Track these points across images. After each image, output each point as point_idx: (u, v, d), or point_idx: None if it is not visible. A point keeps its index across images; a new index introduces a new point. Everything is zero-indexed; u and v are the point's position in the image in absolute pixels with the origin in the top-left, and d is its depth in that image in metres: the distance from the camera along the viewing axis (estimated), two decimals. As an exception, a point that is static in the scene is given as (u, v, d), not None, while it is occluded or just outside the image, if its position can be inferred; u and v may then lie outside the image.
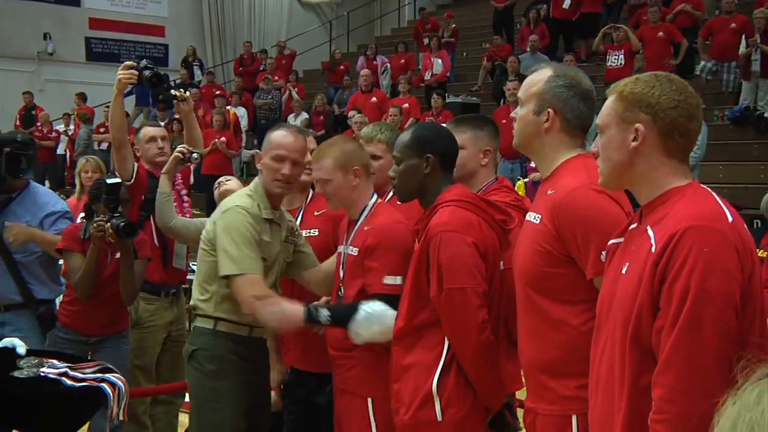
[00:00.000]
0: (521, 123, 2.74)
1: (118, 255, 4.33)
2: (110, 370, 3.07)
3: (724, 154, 10.34)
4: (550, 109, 2.66)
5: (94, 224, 4.18)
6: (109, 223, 4.16)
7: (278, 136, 3.53)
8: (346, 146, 3.51)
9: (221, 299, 3.48)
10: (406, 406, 3.03)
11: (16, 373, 2.85)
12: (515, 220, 3.11)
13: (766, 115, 10.97)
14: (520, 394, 3.32)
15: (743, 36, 11.19)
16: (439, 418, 2.95)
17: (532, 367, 2.66)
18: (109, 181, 4.37)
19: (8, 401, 2.86)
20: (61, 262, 4.73)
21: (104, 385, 2.99)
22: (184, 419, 4.50)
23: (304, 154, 3.57)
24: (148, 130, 4.96)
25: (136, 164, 4.76)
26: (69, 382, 2.92)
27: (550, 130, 2.67)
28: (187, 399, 4.45)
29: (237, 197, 3.55)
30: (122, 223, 4.15)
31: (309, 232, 3.81)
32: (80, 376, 2.97)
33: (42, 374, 2.89)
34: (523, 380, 3.19)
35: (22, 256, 4.45)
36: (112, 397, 2.93)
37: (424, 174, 3.09)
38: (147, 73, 4.73)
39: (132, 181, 4.64)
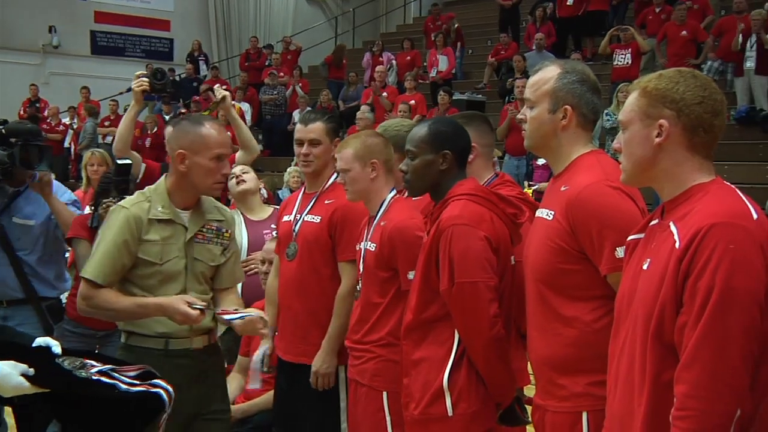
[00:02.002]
0: (535, 123, 2.70)
1: None
2: (154, 375, 2.99)
3: (729, 154, 10.27)
4: (567, 106, 2.64)
5: (104, 205, 4.15)
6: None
7: (210, 133, 3.24)
8: (369, 140, 3.56)
9: None
10: (416, 401, 3.02)
11: (75, 373, 2.79)
12: (526, 213, 3.10)
13: (772, 115, 10.94)
14: (527, 391, 3.32)
15: (740, 34, 11.16)
16: (450, 413, 2.94)
17: (543, 364, 2.64)
18: (119, 162, 4.32)
19: (63, 400, 2.79)
20: (66, 255, 4.70)
21: (161, 391, 2.89)
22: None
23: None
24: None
25: (143, 164, 4.78)
26: (123, 386, 2.84)
27: (567, 127, 2.65)
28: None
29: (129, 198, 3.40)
30: None
31: (313, 218, 3.80)
32: (128, 379, 2.88)
33: (95, 378, 2.82)
34: (531, 376, 3.19)
35: (24, 253, 4.35)
36: (168, 405, 2.84)
37: (440, 170, 3.07)
38: (150, 78, 4.78)
39: (139, 180, 4.62)
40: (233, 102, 14.92)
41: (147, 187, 3.40)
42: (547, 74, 2.68)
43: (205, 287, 3.34)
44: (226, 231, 3.41)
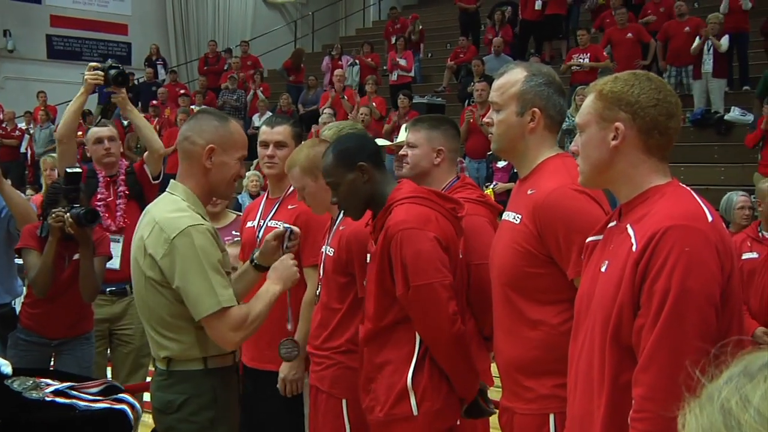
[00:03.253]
0: (503, 127, 2.69)
1: (76, 256, 4.22)
2: (118, 389, 2.86)
3: (685, 156, 10.41)
4: (535, 109, 2.64)
5: (53, 215, 4.08)
6: (68, 214, 4.06)
7: (238, 131, 2.97)
8: (311, 151, 3.50)
9: (206, 335, 2.88)
10: (381, 404, 3.01)
11: (26, 394, 2.64)
12: (464, 207, 3.10)
13: (726, 117, 11.09)
14: (492, 393, 3.32)
15: (696, 37, 11.32)
16: (415, 412, 2.95)
17: (510, 367, 2.65)
18: (69, 170, 4.25)
19: (15, 427, 2.61)
20: (20, 261, 4.62)
21: (126, 407, 2.75)
22: (147, 419, 4.40)
23: None
24: (95, 131, 4.88)
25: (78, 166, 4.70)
26: (83, 404, 2.70)
27: (534, 129, 2.65)
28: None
29: (175, 212, 2.87)
30: (83, 211, 4.06)
31: (276, 223, 3.76)
32: (89, 396, 2.75)
33: (48, 399, 2.68)
34: (494, 379, 3.20)
35: None
36: (133, 423, 2.71)
37: (364, 183, 3.04)
38: (112, 72, 4.68)
39: None
40: (192, 106, 14.82)
41: (172, 199, 2.94)
42: (514, 77, 2.68)
43: None
44: None
